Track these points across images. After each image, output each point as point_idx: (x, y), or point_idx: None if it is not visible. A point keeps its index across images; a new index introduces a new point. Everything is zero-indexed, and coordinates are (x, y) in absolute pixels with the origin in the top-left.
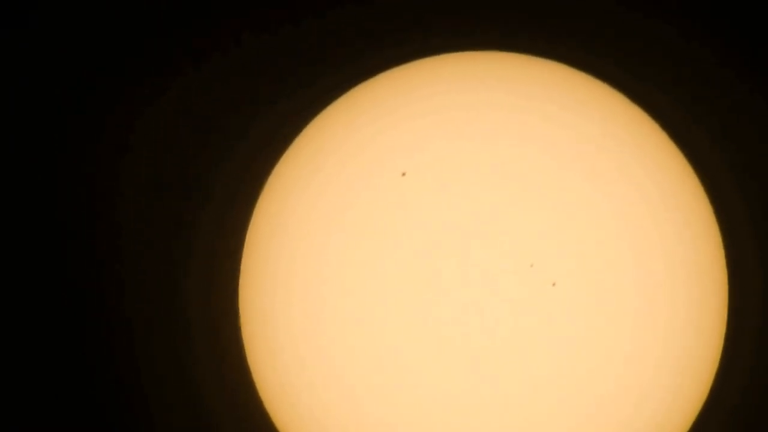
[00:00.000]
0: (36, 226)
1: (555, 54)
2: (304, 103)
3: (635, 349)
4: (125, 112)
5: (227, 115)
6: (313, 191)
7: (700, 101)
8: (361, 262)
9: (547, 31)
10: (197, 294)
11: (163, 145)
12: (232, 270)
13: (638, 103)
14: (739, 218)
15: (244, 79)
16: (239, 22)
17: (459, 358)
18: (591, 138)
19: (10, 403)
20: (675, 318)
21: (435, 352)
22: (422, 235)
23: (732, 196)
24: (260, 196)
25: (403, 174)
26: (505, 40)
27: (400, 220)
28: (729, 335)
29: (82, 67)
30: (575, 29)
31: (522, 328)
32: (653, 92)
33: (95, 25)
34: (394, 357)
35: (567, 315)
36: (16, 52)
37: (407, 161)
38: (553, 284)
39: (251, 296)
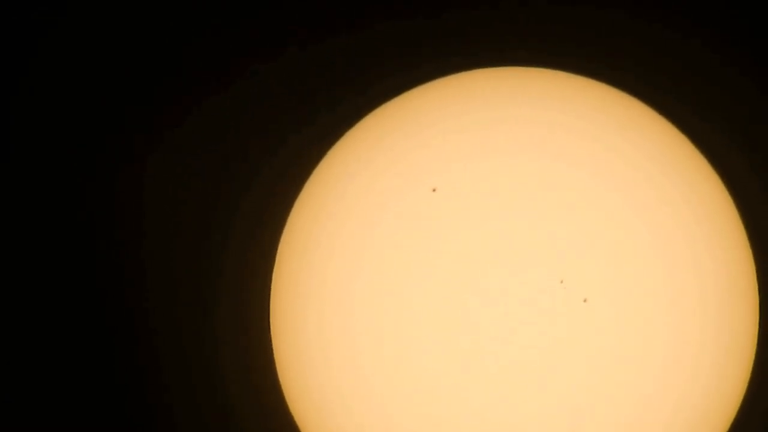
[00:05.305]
0: (65, 251)
1: (587, 70)
2: (334, 120)
3: (667, 364)
4: (148, 137)
5: (257, 133)
6: (343, 207)
7: (734, 119)
8: (391, 278)
9: (579, 48)
10: (227, 318)
11: (192, 163)
12: (263, 286)
13: (672, 120)
14: None
15: (273, 96)
16: (270, 43)
17: (489, 375)
18: (623, 155)
19: (42, 412)
20: (707, 331)
21: (464, 368)
22: (452, 251)
23: (763, 209)
24: (292, 211)
25: (434, 190)
26: (537, 56)
27: (431, 236)
28: (761, 347)
29: (109, 93)
30: (608, 46)
31: (553, 344)
32: (689, 112)
33: (122, 53)
34: (423, 372)
35: (598, 331)
36: (43, 61)
37: (438, 177)
38: (585, 300)
39: (282, 312)
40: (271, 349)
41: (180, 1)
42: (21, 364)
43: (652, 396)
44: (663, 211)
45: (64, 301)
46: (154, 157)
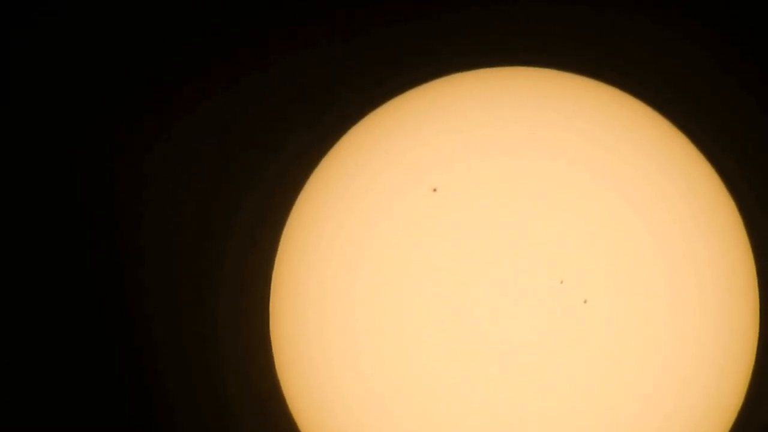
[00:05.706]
0: (65, 255)
1: (587, 70)
2: (334, 120)
3: (667, 364)
4: (149, 137)
5: (257, 133)
6: (343, 207)
7: (733, 119)
8: (391, 278)
9: (579, 48)
10: (227, 318)
11: (192, 163)
12: (263, 286)
13: (672, 120)
14: None
15: (273, 96)
16: (271, 42)
17: (489, 375)
18: (622, 155)
19: (42, 413)
20: (707, 331)
21: (464, 368)
22: (453, 251)
23: (763, 209)
24: (292, 211)
25: (434, 190)
26: (537, 56)
27: (431, 236)
28: (761, 347)
29: (109, 93)
30: (608, 46)
31: (553, 344)
32: (688, 112)
33: (123, 49)
34: (423, 372)
35: (598, 331)
36: (42, 60)
37: (438, 177)
38: (585, 301)
39: (282, 312)
40: (271, 349)
41: (180, 1)
42: (21, 364)
43: (652, 396)
44: (663, 212)
45: (63, 301)
46: (154, 157)
